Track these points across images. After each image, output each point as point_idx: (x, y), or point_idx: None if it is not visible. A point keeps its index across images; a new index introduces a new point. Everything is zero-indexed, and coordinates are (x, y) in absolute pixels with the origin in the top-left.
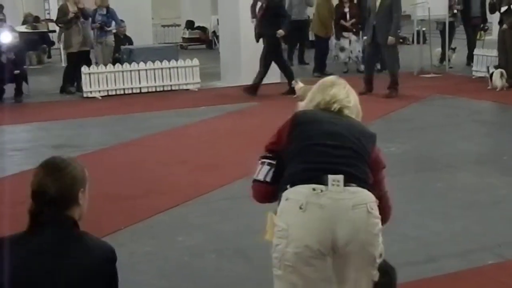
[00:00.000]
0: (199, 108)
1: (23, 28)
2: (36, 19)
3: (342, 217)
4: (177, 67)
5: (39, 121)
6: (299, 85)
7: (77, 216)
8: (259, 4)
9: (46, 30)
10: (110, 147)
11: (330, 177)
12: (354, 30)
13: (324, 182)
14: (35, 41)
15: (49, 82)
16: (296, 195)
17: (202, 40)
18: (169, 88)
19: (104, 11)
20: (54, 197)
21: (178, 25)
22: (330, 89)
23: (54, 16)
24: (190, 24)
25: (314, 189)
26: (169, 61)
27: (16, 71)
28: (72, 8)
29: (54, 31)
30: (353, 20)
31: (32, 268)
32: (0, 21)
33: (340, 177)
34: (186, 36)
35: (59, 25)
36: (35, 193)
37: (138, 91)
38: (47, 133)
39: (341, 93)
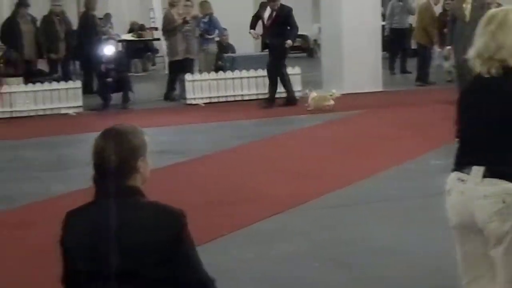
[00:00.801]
0: (299, 116)
1: (128, 36)
2: (142, 27)
3: (475, 204)
4: None
5: (144, 127)
6: (312, 94)
7: (139, 183)
8: (267, 12)
9: (151, 38)
10: (212, 153)
11: (474, 168)
12: None
13: (468, 172)
14: (140, 49)
15: (154, 89)
16: (448, 180)
17: (303, 49)
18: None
19: (207, 19)
20: (115, 165)
21: None
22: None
23: (159, 24)
24: None
25: (458, 178)
26: None
27: (109, 79)
28: (178, 16)
29: (158, 39)
30: None
31: (97, 237)
32: (107, 30)
33: (481, 169)
34: None
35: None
36: (97, 162)
37: (240, 98)
38: (151, 138)
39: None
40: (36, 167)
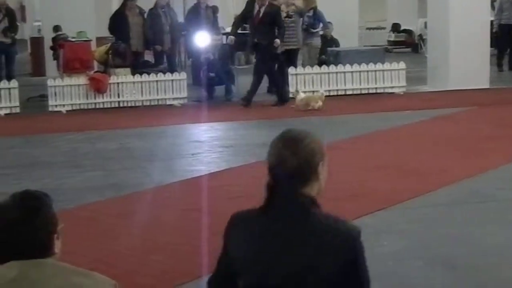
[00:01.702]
0: (403, 112)
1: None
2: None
3: None
4: (382, 70)
5: (246, 120)
6: (300, 95)
7: (315, 192)
8: (255, 10)
9: None
10: None
11: None
12: None
13: None
14: (244, 42)
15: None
16: None
17: (408, 44)
18: (374, 91)
19: (311, 13)
20: (293, 170)
21: (383, 28)
22: None
23: None
24: (396, 27)
25: None
26: (375, 63)
27: (212, 74)
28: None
29: None
30: None
31: (263, 247)
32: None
33: None
34: (392, 39)
35: None
36: (273, 166)
37: (343, 93)
38: (253, 131)
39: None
40: (141, 156)
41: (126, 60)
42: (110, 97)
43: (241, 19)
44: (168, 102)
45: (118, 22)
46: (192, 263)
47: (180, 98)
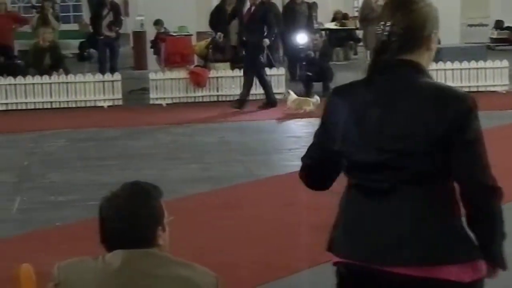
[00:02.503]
0: (507, 111)
1: (332, 25)
2: (345, 16)
3: None
4: (484, 68)
5: None
6: (292, 96)
7: (425, 62)
8: (246, 7)
9: (353, 27)
10: None
11: None
12: None
13: None
14: (343, 38)
15: (355, 78)
16: None
17: (511, 41)
18: (475, 89)
19: None
20: (401, 32)
21: (486, 25)
22: None
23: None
24: (499, 24)
25: None
26: (476, 61)
27: (309, 72)
28: (376, 6)
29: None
30: None
31: (364, 117)
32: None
33: None
34: (495, 36)
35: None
36: (382, 26)
37: None
38: None
39: None
40: (239, 150)
41: (226, 54)
42: (209, 91)
43: (233, 17)
44: None
45: (217, 17)
46: (291, 257)
47: (278, 93)
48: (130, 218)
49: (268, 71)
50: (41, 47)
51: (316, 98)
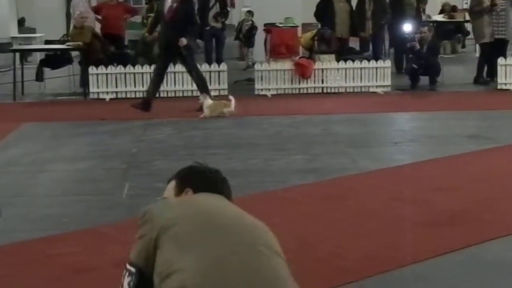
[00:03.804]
0: None
1: (440, 18)
2: (454, 8)
3: None
4: None
5: (452, 110)
6: (207, 102)
7: None
8: (167, 4)
9: (462, 20)
10: None
11: None
12: None
13: None
14: (451, 30)
15: (462, 72)
16: None
17: None
18: None
19: None
20: None
21: None
22: None
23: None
24: None
25: None
26: None
27: (415, 65)
28: None
29: (469, 21)
30: None
31: None
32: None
33: None
34: None
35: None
36: None
37: None
38: (459, 122)
39: None
40: (344, 142)
41: (331, 46)
42: (314, 82)
43: (158, 17)
44: (371, 90)
45: (324, 9)
46: (395, 251)
47: (384, 86)
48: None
49: (374, 63)
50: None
51: (230, 97)
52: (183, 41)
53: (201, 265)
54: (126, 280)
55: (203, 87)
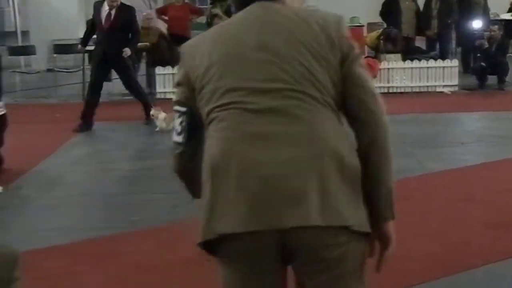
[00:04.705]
0: None
1: (508, 16)
2: None
3: None
4: None
5: None
6: (161, 115)
7: None
8: (104, 12)
9: None
10: None
11: None
12: None
13: None
14: None
15: None
16: None
17: None
18: None
19: None
20: None
21: None
22: None
23: None
24: None
25: None
26: None
27: (483, 64)
28: None
29: None
30: None
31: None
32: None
33: None
34: None
35: None
36: None
37: None
38: None
39: None
40: (410, 142)
41: (397, 45)
42: (380, 82)
43: (91, 24)
44: (438, 89)
45: (390, 8)
46: (463, 254)
47: (451, 86)
48: None
49: (440, 62)
50: None
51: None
52: (127, 51)
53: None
54: (177, 121)
55: (146, 101)
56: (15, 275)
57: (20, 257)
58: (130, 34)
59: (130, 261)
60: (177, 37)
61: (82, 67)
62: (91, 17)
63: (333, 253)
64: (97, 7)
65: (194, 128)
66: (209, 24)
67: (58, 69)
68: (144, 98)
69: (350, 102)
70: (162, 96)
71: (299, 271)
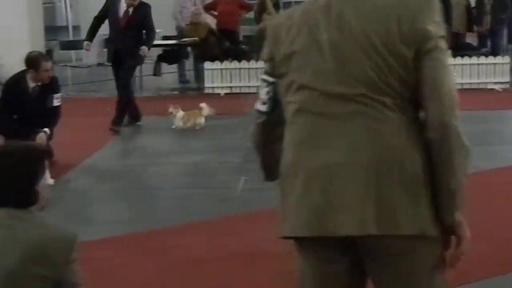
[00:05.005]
0: None
1: None
2: None
3: None
4: None
5: None
6: (180, 113)
7: None
8: (121, 9)
9: None
10: None
11: None
12: None
13: None
14: None
15: None
16: None
17: None
18: None
19: None
20: None
21: None
22: None
23: None
24: None
25: None
26: None
27: None
28: None
29: None
30: None
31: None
32: None
33: None
34: None
35: None
36: None
37: None
38: None
39: None
40: None
41: (447, 41)
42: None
43: (99, 22)
44: (488, 86)
45: (439, 2)
46: None
47: (502, 83)
48: None
49: (492, 59)
50: (265, 32)
51: (203, 105)
52: (145, 49)
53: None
54: (264, 90)
55: (123, 107)
56: (72, 257)
57: (76, 240)
58: (144, 32)
59: (179, 254)
60: (226, 32)
61: None
62: None
63: (395, 257)
64: (112, 2)
65: (279, 101)
66: (257, 20)
67: (108, 64)
68: (124, 103)
69: (420, 96)
70: (210, 91)
71: (367, 269)
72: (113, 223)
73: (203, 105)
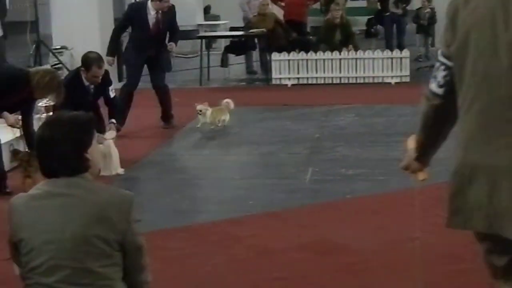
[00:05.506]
0: None
1: None
2: None
3: None
4: None
5: None
6: (209, 111)
7: None
8: (151, 16)
9: None
10: None
11: None
12: None
13: None
14: None
15: None
16: None
17: None
18: None
19: None
20: None
21: None
22: None
23: None
24: None
25: None
26: None
27: None
28: None
29: None
30: None
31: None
32: None
33: None
34: None
35: None
36: None
37: None
38: None
39: None
40: None
41: None
42: None
43: (121, 28)
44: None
45: None
46: None
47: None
48: None
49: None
50: (332, 23)
51: (226, 101)
52: (173, 46)
53: None
54: (441, 73)
55: (169, 103)
56: (132, 217)
57: (133, 199)
58: (169, 32)
59: (246, 245)
60: (294, 23)
61: (199, 52)
62: (207, 4)
63: None
64: (138, 9)
65: (454, 85)
66: (323, 11)
67: (176, 55)
68: (169, 96)
69: None
70: (278, 82)
71: None
72: (182, 213)
73: (228, 100)
